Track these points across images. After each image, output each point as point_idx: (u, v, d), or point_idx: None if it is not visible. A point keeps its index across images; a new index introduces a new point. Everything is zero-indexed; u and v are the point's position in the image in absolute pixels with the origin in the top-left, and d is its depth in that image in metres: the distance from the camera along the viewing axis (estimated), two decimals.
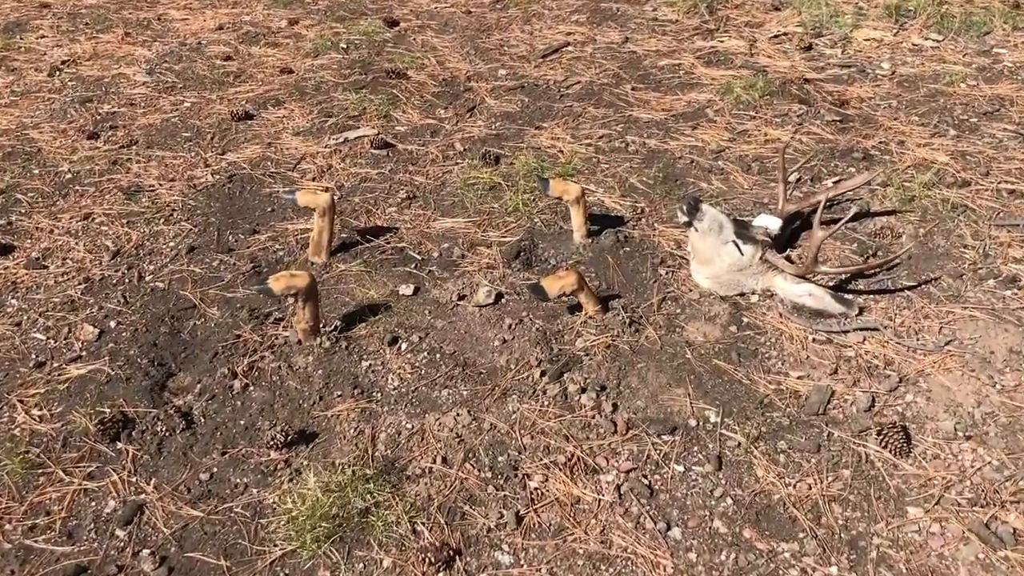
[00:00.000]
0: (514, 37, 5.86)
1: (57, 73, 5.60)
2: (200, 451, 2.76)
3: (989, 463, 2.59)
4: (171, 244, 3.77)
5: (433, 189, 4.10)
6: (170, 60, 5.74)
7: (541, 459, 2.65)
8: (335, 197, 3.68)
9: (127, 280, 3.54)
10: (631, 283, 3.39)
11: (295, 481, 2.61)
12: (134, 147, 4.62)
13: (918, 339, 3.05)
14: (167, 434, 2.81)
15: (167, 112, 5.01)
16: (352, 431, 2.79)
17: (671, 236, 3.64)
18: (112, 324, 3.29)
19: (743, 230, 3.28)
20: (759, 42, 5.46)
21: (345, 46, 5.78)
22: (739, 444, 2.67)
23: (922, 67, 5.01)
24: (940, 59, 5.08)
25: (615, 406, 2.82)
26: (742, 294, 3.30)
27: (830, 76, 5.00)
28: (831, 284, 3.27)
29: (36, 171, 4.39)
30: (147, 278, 3.55)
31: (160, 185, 4.23)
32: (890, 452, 2.60)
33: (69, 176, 4.35)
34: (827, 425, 2.73)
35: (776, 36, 5.49)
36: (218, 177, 4.28)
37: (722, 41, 5.53)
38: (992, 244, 3.47)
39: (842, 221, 3.13)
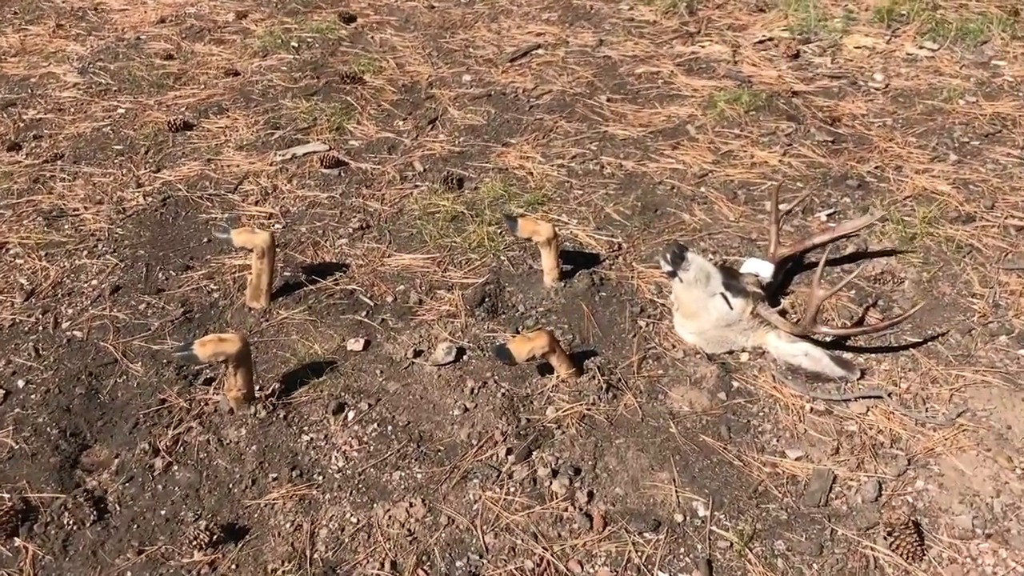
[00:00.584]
0: (480, 37, 5.45)
1: None
2: (113, 549, 2.38)
3: (1014, 569, 2.27)
4: (93, 282, 3.36)
5: (389, 218, 3.71)
6: (105, 58, 5.28)
7: (506, 564, 2.30)
8: (275, 234, 3.26)
9: (41, 327, 3.12)
10: (608, 336, 3.04)
11: None
12: (59, 162, 4.18)
13: (927, 410, 2.73)
14: (75, 527, 2.43)
15: (99, 120, 4.56)
16: (288, 526, 2.41)
17: (651, 278, 3.28)
18: (20, 383, 2.89)
19: (732, 280, 2.93)
20: (743, 48, 5.10)
21: (296, 45, 5.35)
22: (731, 545, 2.33)
23: (917, 80, 4.67)
24: (936, 71, 4.75)
25: (591, 495, 2.47)
26: (731, 352, 2.96)
27: (820, 88, 4.66)
28: (828, 341, 2.93)
29: None
30: (64, 325, 3.14)
31: (86, 209, 3.80)
32: (901, 556, 2.28)
33: None
34: (830, 520, 2.40)
35: (761, 41, 5.13)
36: (150, 200, 3.86)
37: (703, 46, 5.16)
38: (1002, 292, 3.15)
39: (843, 282, 2.80)
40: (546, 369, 2.84)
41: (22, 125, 4.52)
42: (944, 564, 2.29)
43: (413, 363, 2.93)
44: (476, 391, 2.81)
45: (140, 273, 3.41)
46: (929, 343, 2.98)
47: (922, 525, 2.38)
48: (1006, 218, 3.54)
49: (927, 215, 3.54)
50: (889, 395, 2.77)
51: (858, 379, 2.83)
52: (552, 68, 5.01)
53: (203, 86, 4.91)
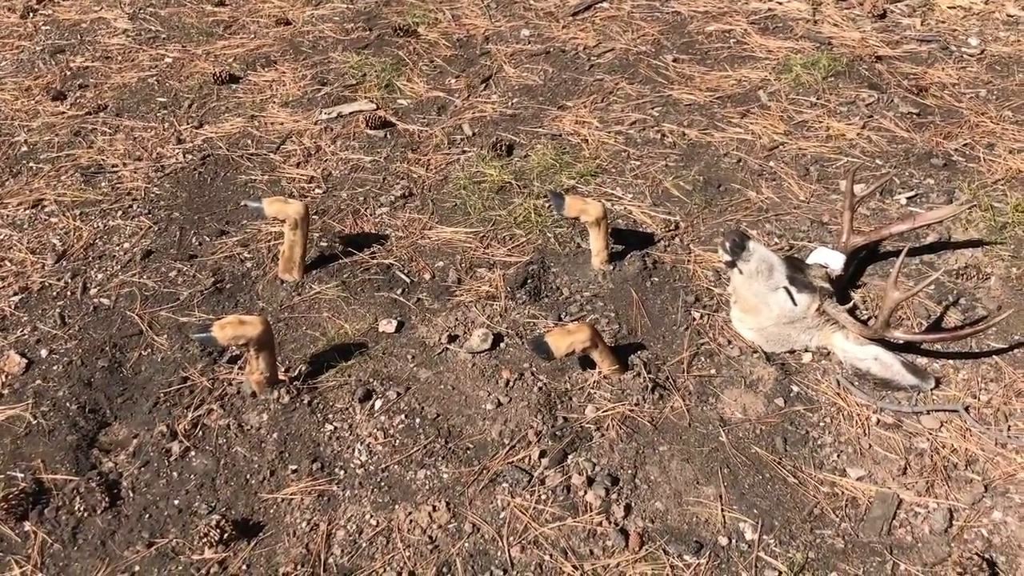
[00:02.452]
0: None
1: (30, 15, 5.01)
2: (122, 540, 2.27)
3: None
4: (125, 245, 3.24)
5: (433, 185, 3.51)
6: (156, 3, 5.15)
7: None
8: (308, 205, 3.09)
9: (69, 292, 3.02)
10: (657, 328, 2.81)
11: None
12: (102, 114, 4.06)
13: (1009, 428, 2.46)
14: (86, 514, 2.32)
15: (145, 69, 4.43)
16: (304, 524, 2.28)
17: (709, 263, 3.03)
18: (44, 352, 2.78)
19: (797, 274, 2.67)
20: (824, 5, 4.72)
21: None
22: (780, 575, 2.11)
23: (1018, 45, 4.26)
24: None
25: (628, 508, 2.28)
26: (792, 352, 2.71)
27: (906, 53, 4.28)
28: (901, 343, 2.66)
29: None
30: (92, 291, 3.03)
31: (124, 165, 3.68)
32: None
33: (25, 149, 3.82)
34: (891, 552, 2.17)
35: None
36: (190, 158, 3.72)
37: (781, 2, 4.79)
38: None
39: (921, 285, 2.51)
40: (588, 363, 2.63)
41: (68, 73, 4.41)
42: None
43: (447, 349, 2.75)
44: (511, 384, 2.62)
45: (174, 237, 3.28)
46: (1015, 351, 2.69)
47: (998, 564, 2.14)
48: None
49: (1020, 201, 3.20)
50: (966, 409, 2.50)
51: (932, 389, 2.56)
52: (616, 23, 4.70)
53: (253, 35, 4.73)
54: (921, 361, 2.66)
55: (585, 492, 2.32)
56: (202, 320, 2.84)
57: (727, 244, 2.66)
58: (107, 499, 2.35)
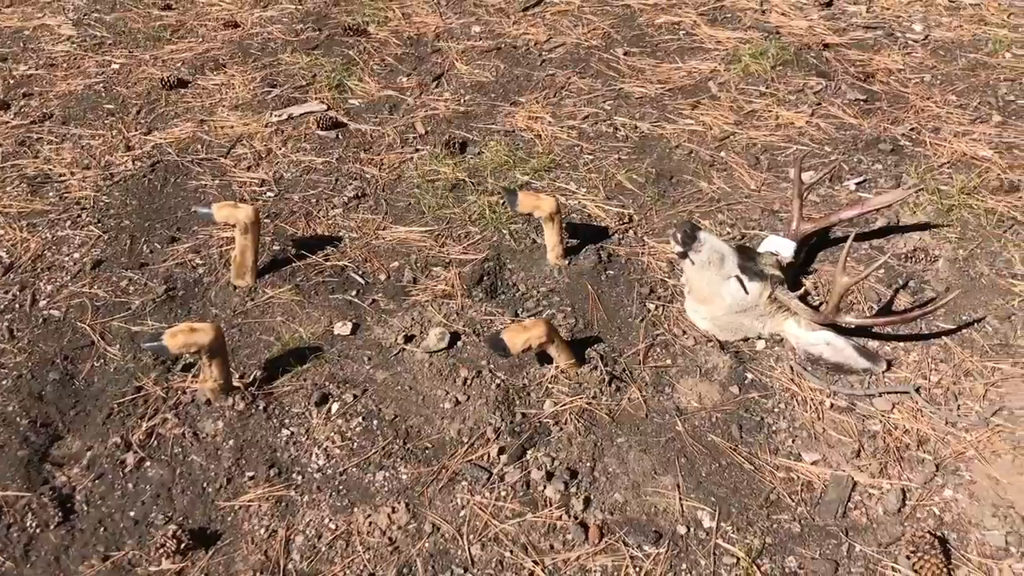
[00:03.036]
0: None
1: None
2: (77, 555, 2.23)
3: None
4: (75, 255, 3.19)
5: (387, 185, 3.49)
6: (102, 8, 5.05)
7: None
8: (259, 208, 3.06)
9: (17, 305, 2.96)
10: (613, 321, 2.82)
11: None
12: (47, 122, 3.99)
13: (958, 407, 2.50)
14: (38, 530, 2.28)
15: (91, 76, 4.36)
16: (262, 531, 2.26)
17: (663, 255, 3.05)
18: None
19: (749, 262, 2.70)
20: None
21: None
22: (738, 561, 2.14)
23: (960, 30, 4.33)
24: (981, 20, 4.40)
25: (587, 501, 2.28)
26: (746, 339, 2.74)
27: (853, 40, 4.33)
28: (852, 328, 2.69)
29: None
30: (41, 303, 2.98)
31: (72, 174, 3.62)
32: None
33: None
34: (847, 534, 2.20)
35: None
36: (140, 164, 3.67)
37: None
38: None
39: (870, 269, 2.55)
40: (545, 358, 2.64)
41: (12, 82, 4.33)
42: None
43: (403, 349, 2.74)
44: (469, 382, 2.62)
45: (124, 246, 3.23)
46: (963, 330, 2.74)
47: (949, 541, 2.17)
48: None
49: (966, 184, 3.25)
50: (917, 390, 2.55)
51: (884, 371, 2.60)
52: (567, 18, 4.71)
53: (201, 39, 4.68)
54: (872, 344, 2.70)
55: (544, 487, 2.32)
56: (154, 329, 2.81)
57: (678, 235, 2.67)
58: (60, 514, 2.31)
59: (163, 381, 2.67)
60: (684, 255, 2.69)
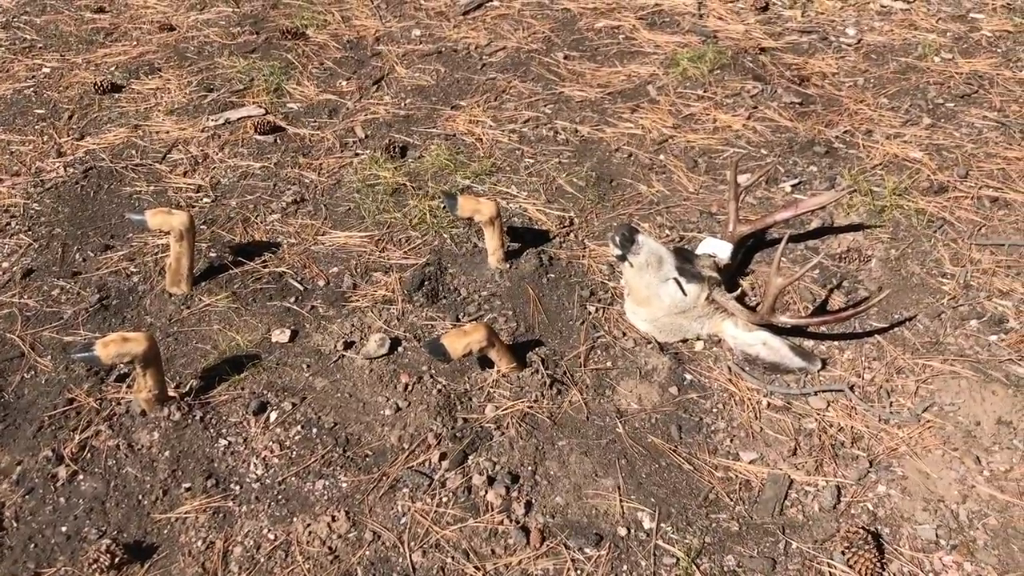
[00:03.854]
0: None
1: None
2: (6, 572, 2.18)
3: None
4: (4, 265, 3.11)
5: (326, 190, 3.46)
6: (31, 11, 4.93)
7: None
8: (194, 214, 3.01)
9: None
10: (555, 324, 2.83)
11: None
12: None
13: (891, 404, 2.56)
14: None
15: (21, 80, 4.25)
16: (200, 543, 2.22)
17: (603, 258, 3.07)
18: None
19: (686, 264, 2.72)
20: (709, 0, 4.81)
21: None
22: (677, 561, 2.16)
23: (891, 34, 4.43)
24: (911, 24, 4.51)
25: (529, 505, 2.29)
26: (685, 340, 2.76)
27: (789, 44, 4.41)
28: (788, 328, 2.73)
29: None
30: None
31: (1, 181, 3.52)
32: (859, 574, 2.11)
33: None
34: (784, 531, 2.23)
35: None
36: (72, 171, 3.58)
37: None
38: (974, 272, 2.97)
39: (803, 270, 2.59)
40: (486, 362, 2.64)
41: None
42: None
43: (343, 356, 2.72)
44: (410, 387, 2.60)
45: (55, 254, 3.16)
46: (896, 328, 2.80)
47: (882, 536, 2.22)
48: (980, 188, 3.34)
49: (897, 185, 3.33)
50: (852, 388, 2.60)
51: (819, 370, 2.65)
52: (507, 22, 4.72)
53: (135, 42, 4.59)
54: (808, 344, 2.75)
55: (486, 492, 2.32)
56: (86, 339, 2.74)
57: (617, 239, 2.69)
58: None
59: (96, 392, 2.61)
60: (623, 258, 2.71)
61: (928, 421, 2.50)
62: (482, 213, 2.89)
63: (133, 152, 3.70)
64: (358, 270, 3.05)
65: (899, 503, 2.30)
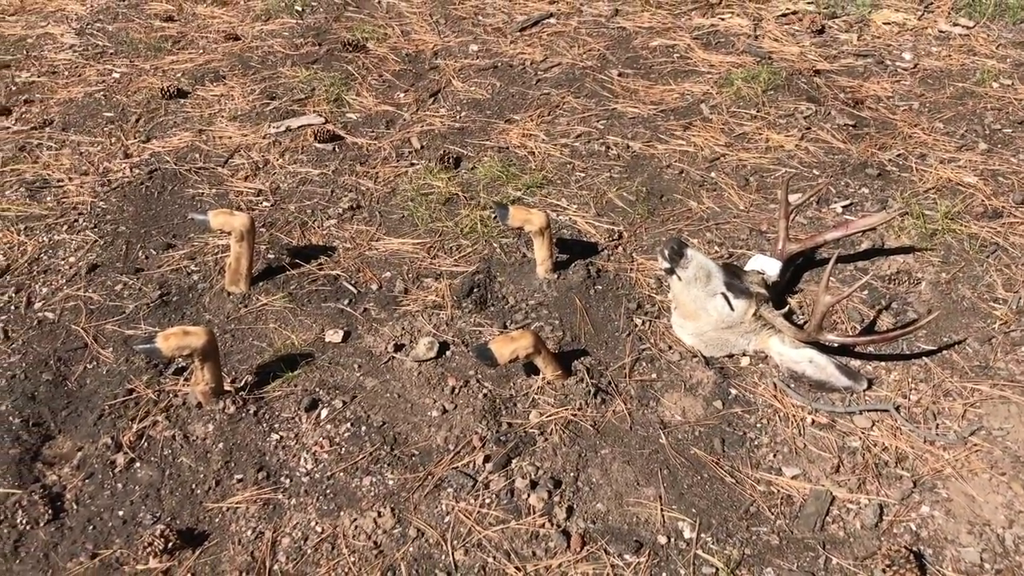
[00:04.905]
0: (491, 3, 5.23)
1: None
2: (66, 552, 2.25)
3: None
4: (71, 259, 3.22)
5: (381, 198, 3.54)
6: (104, 18, 5.11)
7: None
8: (254, 217, 3.10)
9: (13, 307, 3.00)
10: (601, 335, 2.87)
11: None
12: (47, 129, 4.04)
13: (937, 426, 2.54)
14: (28, 527, 2.30)
15: (92, 84, 4.41)
16: (249, 533, 2.28)
17: (651, 271, 3.10)
18: None
19: (735, 280, 2.74)
20: (765, 21, 4.84)
21: (300, 8, 5.15)
22: (716, 571, 2.17)
23: (949, 60, 4.41)
24: (970, 50, 4.48)
25: (570, 510, 2.32)
26: (731, 355, 2.78)
27: (844, 67, 4.41)
28: (835, 347, 2.74)
29: None
30: (36, 305, 3.01)
31: (70, 180, 3.66)
32: None
33: None
34: (825, 547, 2.24)
35: (785, 15, 4.87)
36: (137, 172, 3.71)
37: (723, 18, 4.91)
38: None
39: (852, 288, 2.60)
40: (532, 370, 2.68)
41: (14, 88, 4.37)
42: None
43: (393, 358, 2.78)
44: (457, 391, 2.65)
45: (119, 251, 3.27)
46: (944, 352, 2.78)
47: (925, 556, 2.21)
48: None
49: (950, 210, 3.32)
50: (897, 409, 2.59)
51: (865, 390, 2.65)
52: (563, 39, 4.79)
53: (201, 50, 4.74)
54: (854, 363, 2.75)
55: (528, 495, 2.36)
56: (147, 332, 2.84)
57: (666, 252, 2.72)
58: (50, 511, 2.34)
59: (155, 384, 2.70)
60: (671, 271, 2.74)
61: (975, 444, 2.48)
62: (532, 223, 2.94)
63: (196, 156, 3.82)
64: (410, 275, 3.12)
65: (943, 524, 2.29)
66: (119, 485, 2.42)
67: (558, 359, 2.67)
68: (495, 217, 3.27)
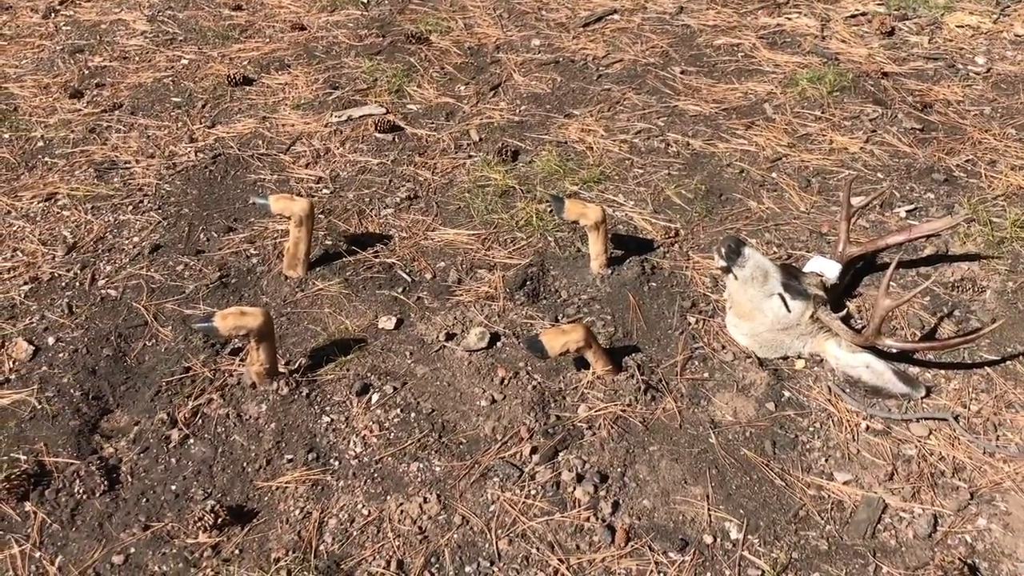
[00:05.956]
0: None
1: (52, 15, 5.12)
2: (119, 523, 2.31)
3: None
4: (135, 239, 3.30)
5: (438, 188, 3.56)
6: (175, 6, 5.22)
7: (517, 574, 2.15)
8: (314, 202, 3.14)
9: (78, 283, 3.08)
10: (653, 332, 2.84)
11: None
12: (117, 112, 4.14)
13: (997, 438, 2.48)
14: (85, 496, 2.37)
15: (161, 70, 4.51)
16: (297, 512, 2.32)
17: (706, 270, 3.07)
18: (51, 340, 2.84)
19: (792, 281, 2.70)
20: (833, 22, 4.75)
21: (366, 0, 5.19)
22: (763, 574, 2.14)
23: None
24: None
25: (616, 505, 2.31)
26: (786, 358, 2.74)
27: (913, 70, 4.31)
28: (894, 352, 2.68)
29: (6, 135, 3.93)
30: (100, 282, 3.09)
31: (137, 162, 3.75)
32: None
33: (41, 144, 3.89)
34: (875, 554, 2.19)
35: (854, 16, 4.78)
36: (202, 156, 3.78)
37: (790, 18, 4.83)
38: None
39: (913, 292, 2.54)
40: (582, 363, 2.67)
41: (87, 72, 4.49)
42: None
43: (444, 347, 2.79)
44: (506, 381, 2.66)
45: (182, 232, 3.34)
46: (1008, 362, 2.71)
47: (980, 570, 2.15)
48: None
49: (1019, 217, 3.22)
50: (956, 418, 2.53)
51: (923, 397, 2.59)
52: (626, 35, 4.76)
53: (268, 39, 4.81)
54: (913, 371, 2.69)
55: (574, 488, 2.35)
56: (205, 312, 2.90)
57: (723, 250, 2.69)
58: (106, 483, 2.40)
59: (211, 363, 2.75)
60: (728, 270, 2.71)
61: None
62: (588, 217, 2.93)
63: (259, 142, 3.88)
64: (464, 266, 3.13)
65: (1000, 538, 2.23)
66: (173, 460, 2.47)
67: (609, 354, 2.65)
68: (551, 210, 3.26)
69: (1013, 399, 2.59)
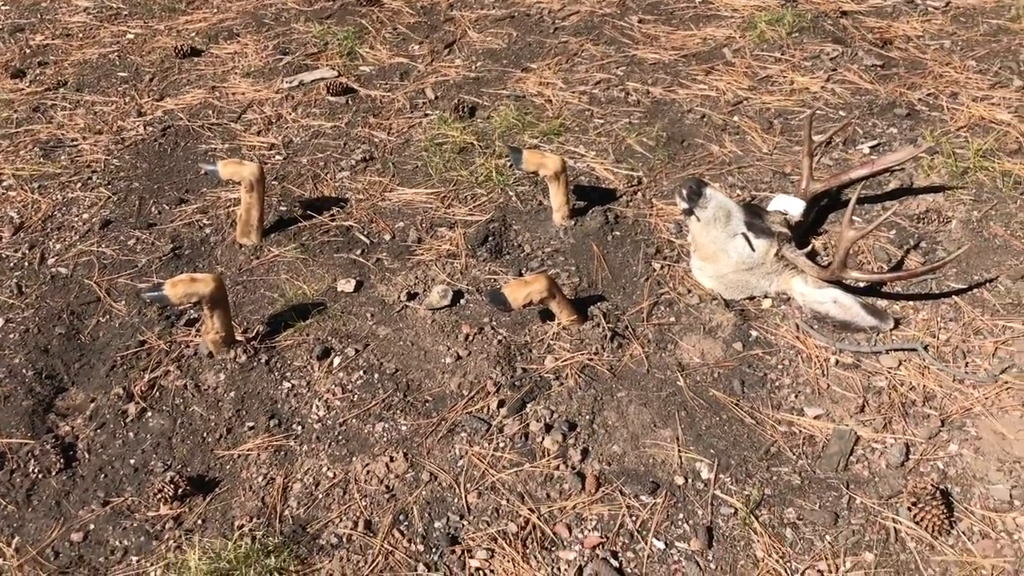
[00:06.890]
0: None
1: None
2: (77, 500, 2.24)
3: None
4: (84, 216, 3.21)
5: (394, 149, 3.48)
6: None
7: (488, 526, 2.11)
8: (264, 166, 3.06)
9: (26, 263, 2.99)
10: (618, 280, 2.80)
11: (182, 548, 2.09)
12: (61, 90, 4.02)
13: (967, 365, 2.45)
14: (41, 476, 2.30)
15: (106, 46, 4.38)
16: (260, 479, 2.26)
17: (670, 216, 3.02)
18: (0, 322, 2.74)
19: (755, 220, 2.66)
20: None
21: None
22: (735, 512, 2.11)
23: None
24: None
25: (585, 452, 2.26)
26: (752, 298, 2.70)
27: (872, 8, 4.26)
28: (861, 287, 2.65)
29: None
30: (50, 260, 3.00)
31: (84, 139, 3.64)
32: (926, 529, 2.04)
33: None
34: (848, 486, 2.16)
35: None
36: (151, 129, 3.68)
37: None
38: None
39: (877, 221, 2.50)
40: (548, 315, 2.62)
41: (28, 51, 4.36)
42: (974, 539, 2.04)
43: (406, 307, 2.73)
44: (471, 338, 2.60)
45: (133, 207, 3.25)
46: (975, 290, 2.68)
47: (952, 495, 2.13)
48: None
49: (982, 147, 3.19)
50: (925, 348, 2.50)
51: (891, 329, 2.56)
52: None
53: (215, 10, 4.69)
54: (881, 303, 2.66)
55: (543, 439, 2.31)
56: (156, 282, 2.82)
57: (684, 192, 2.64)
58: (62, 461, 2.33)
59: (166, 335, 2.68)
60: (690, 212, 2.66)
61: (1006, 382, 2.39)
62: (547, 167, 2.87)
63: (210, 112, 3.79)
64: (423, 225, 3.06)
65: (971, 463, 2.21)
66: (131, 434, 2.40)
67: (573, 304, 2.60)
68: (510, 164, 3.20)
69: (981, 326, 2.56)
